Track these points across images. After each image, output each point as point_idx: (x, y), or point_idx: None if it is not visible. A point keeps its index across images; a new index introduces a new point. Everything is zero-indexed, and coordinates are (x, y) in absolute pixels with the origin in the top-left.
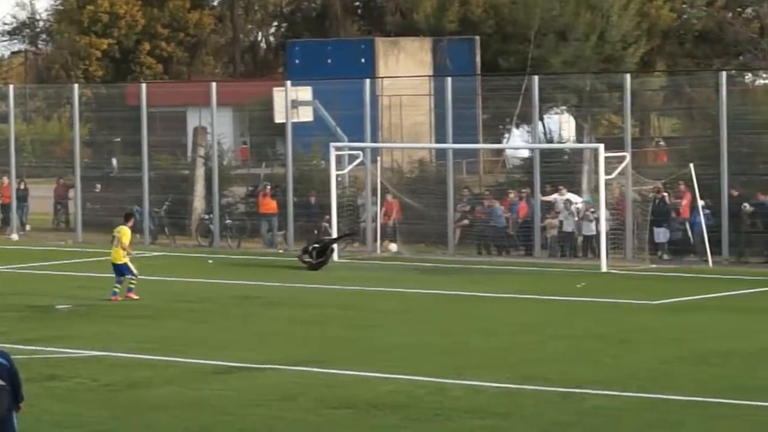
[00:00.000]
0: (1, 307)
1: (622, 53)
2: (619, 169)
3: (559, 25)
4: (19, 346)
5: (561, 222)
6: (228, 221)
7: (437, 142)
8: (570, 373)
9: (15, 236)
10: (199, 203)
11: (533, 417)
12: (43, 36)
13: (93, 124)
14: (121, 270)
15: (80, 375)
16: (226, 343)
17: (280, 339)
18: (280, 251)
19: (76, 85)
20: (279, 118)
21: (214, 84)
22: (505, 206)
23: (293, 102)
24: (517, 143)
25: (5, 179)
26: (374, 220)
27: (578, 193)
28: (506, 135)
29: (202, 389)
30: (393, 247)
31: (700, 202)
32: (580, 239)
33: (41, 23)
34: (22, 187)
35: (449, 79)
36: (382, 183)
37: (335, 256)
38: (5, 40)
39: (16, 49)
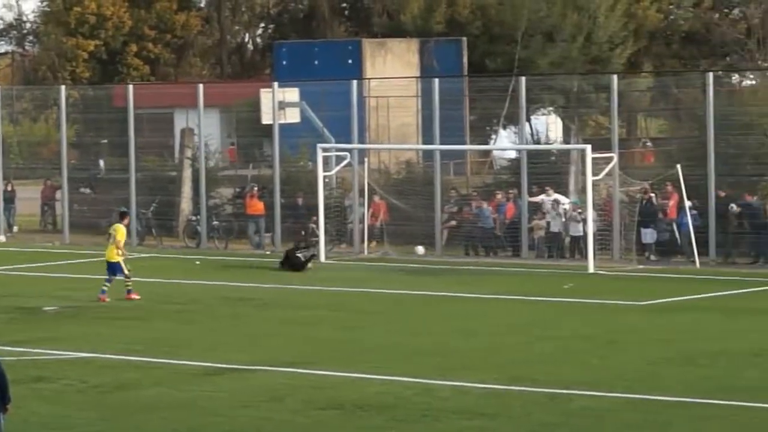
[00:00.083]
0: None
1: (609, 54)
2: (607, 170)
3: (546, 26)
4: (6, 347)
5: (548, 223)
6: (215, 222)
7: (424, 143)
8: (557, 374)
9: (2, 238)
10: (186, 204)
11: (521, 418)
12: (30, 37)
13: (80, 126)
14: (114, 269)
15: (68, 376)
16: (214, 345)
17: (268, 340)
18: (268, 252)
19: (63, 87)
20: (266, 119)
21: (201, 85)
22: (493, 207)
23: (280, 103)
24: (505, 144)
25: None
26: (361, 221)
27: (565, 194)
28: (493, 136)
29: (190, 391)
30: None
31: (687, 203)
32: (567, 240)
33: (28, 25)
34: (9, 188)
35: (436, 80)
36: (369, 184)
37: (322, 258)
38: None
39: (2, 50)
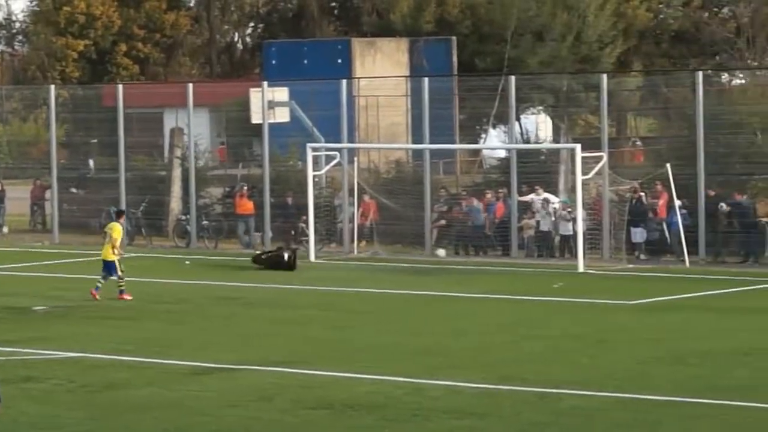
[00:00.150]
0: None
1: (598, 53)
2: (596, 169)
3: (536, 25)
4: None
5: (538, 222)
6: (205, 222)
7: (414, 142)
8: (547, 373)
9: None
10: (176, 204)
11: (510, 417)
12: (20, 37)
13: (69, 125)
14: (109, 268)
15: (57, 376)
16: (204, 344)
17: (258, 340)
18: (257, 252)
19: (52, 86)
20: (255, 118)
21: (190, 85)
22: (482, 206)
23: (270, 103)
24: (494, 143)
25: None
26: (351, 220)
27: (555, 193)
28: (483, 135)
29: (180, 390)
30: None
31: (677, 202)
32: (557, 239)
33: (17, 24)
34: None
35: (426, 79)
36: (359, 183)
37: (312, 257)
38: None
39: None
